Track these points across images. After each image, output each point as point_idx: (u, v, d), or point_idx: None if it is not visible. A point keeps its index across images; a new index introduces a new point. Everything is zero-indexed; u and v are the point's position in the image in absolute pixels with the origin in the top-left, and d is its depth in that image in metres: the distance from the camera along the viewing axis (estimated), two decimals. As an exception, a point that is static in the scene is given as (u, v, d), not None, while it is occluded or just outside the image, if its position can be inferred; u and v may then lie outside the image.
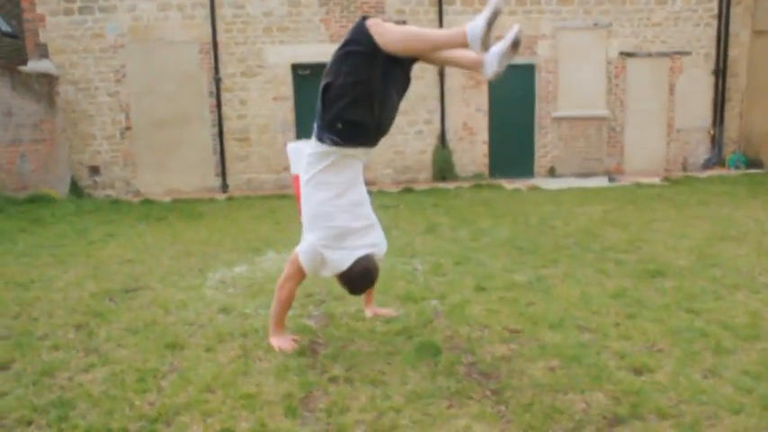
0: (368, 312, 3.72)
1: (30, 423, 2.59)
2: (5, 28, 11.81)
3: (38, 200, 8.41)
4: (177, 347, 3.35)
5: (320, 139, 3.06)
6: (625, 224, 6.46)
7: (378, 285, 4.38)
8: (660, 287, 4.24)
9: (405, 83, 3.12)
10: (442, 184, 11.00)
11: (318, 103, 3.07)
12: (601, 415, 2.56)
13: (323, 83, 3.03)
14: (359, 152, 3.11)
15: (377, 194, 9.85)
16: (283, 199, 9.73)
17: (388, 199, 9.08)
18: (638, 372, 2.95)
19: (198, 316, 3.87)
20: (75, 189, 10.84)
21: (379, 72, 2.89)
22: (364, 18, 2.92)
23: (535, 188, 10.00)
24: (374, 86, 2.91)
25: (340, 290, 4.28)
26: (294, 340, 3.34)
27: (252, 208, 8.68)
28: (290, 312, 3.83)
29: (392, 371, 2.98)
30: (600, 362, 3.04)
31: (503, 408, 2.64)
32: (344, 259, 3.09)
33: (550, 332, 3.45)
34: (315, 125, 3.11)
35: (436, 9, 11.53)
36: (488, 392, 2.77)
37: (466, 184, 10.85)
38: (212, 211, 8.33)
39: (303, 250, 3.16)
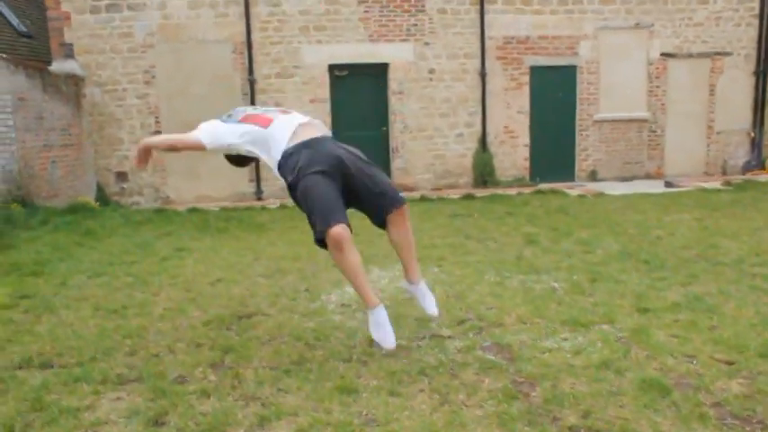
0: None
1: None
2: (21, 28, 11.13)
3: (79, 210, 7.79)
4: (352, 392, 2.86)
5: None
6: (733, 234, 6.05)
7: (530, 307, 3.97)
8: (839, 307, 3.86)
9: None
10: (500, 190, 10.49)
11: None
12: None
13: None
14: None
15: (437, 202, 9.39)
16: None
17: (455, 207, 8.62)
18: None
19: (348, 350, 3.38)
20: (102, 196, 10.22)
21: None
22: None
23: (601, 194, 9.56)
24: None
25: (493, 315, 3.85)
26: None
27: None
28: (460, 344, 3.38)
29: (634, 417, 2.53)
30: None
31: (801, 467, 2.21)
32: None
33: (764, 362, 3.04)
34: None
35: (477, 8, 11.14)
36: (766, 446, 2.35)
37: (527, 190, 10.39)
38: (272, 222, 7.73)
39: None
